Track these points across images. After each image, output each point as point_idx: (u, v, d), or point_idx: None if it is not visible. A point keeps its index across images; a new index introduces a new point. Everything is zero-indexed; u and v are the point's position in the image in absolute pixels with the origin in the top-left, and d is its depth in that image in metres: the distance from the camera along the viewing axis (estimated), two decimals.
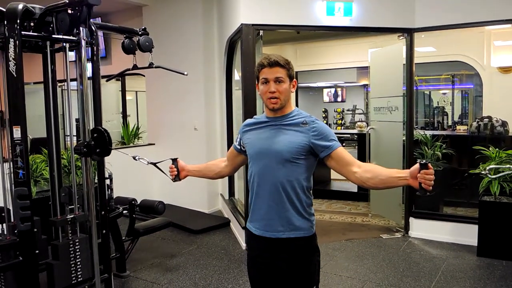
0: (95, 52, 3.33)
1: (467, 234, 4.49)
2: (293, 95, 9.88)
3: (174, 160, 2.32)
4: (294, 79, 1.96)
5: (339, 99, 14.13)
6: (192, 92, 6.13)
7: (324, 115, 16.31)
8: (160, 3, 6.32)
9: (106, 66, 7.31)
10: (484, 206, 4.24)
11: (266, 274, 1.98)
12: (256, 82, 1.99)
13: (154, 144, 6.51)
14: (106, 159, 5.14)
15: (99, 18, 7.07)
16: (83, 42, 2.93)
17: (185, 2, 6.10)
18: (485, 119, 5.71)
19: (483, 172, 1.91)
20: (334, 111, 16.01)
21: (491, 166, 1.93)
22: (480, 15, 4.50)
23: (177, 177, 2.32)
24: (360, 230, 5.24)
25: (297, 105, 9.99)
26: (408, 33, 4.82)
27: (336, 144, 1.88)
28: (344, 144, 13.92)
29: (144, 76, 6.77)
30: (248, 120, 2.10)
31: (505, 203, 4.15)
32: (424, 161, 1.62)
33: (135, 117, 8.71)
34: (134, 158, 2.62)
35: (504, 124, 5.59)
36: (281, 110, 1.94)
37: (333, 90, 14.50)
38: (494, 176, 2.49)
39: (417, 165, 1.63)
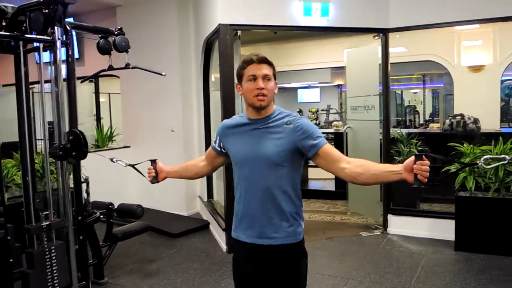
0: (70, 53, 3.21)
1: (444, 229, 4.58)
2: None
3: (153, 162, 2.27)
4: (276, 80, 1.92)
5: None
6: (168, 93, 6.04)
7: (305, 118, 16.38)
8: (134, 4, 6.20)
9: (79, 68, 7.05)
10: (460, 201, 4.33)
11: (252, 279, 1.93)
12: (237, 82, 1.91)
13: (129, 146, 6.39)
14: (81, 162, 5.04)
15: (72, 18, 6.89)
16: (58, 42, 2.85)
17: (160, 2, 6.01)
18: (457, 117, 5.85)
19: (479, 163, 1.92)
20: (309, 111, 16.16)
21: (486, 157, 1.94)
22: (452, 15, 4.60)
23: (155, 179, 2.26)
24: (340, 229, 5.27)
25: None
26: (384, 33, 4.89)
27: (322, 141, 1.83)
28: None
29: (118, 77, 6.64)
30: (227, 122, 2.02)
31: (481, 197, 4.26)
32: (418, 152, 1.61)
33: (108, 119, 8.52)
34: (111, 160, 2.55)
35: (476, 121, 5.74)
36: (265, 111, 1.88)
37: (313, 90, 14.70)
38: (489, 167, 2.52)
39: (412, 158, 1.61)
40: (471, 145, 4.44)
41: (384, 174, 1.72)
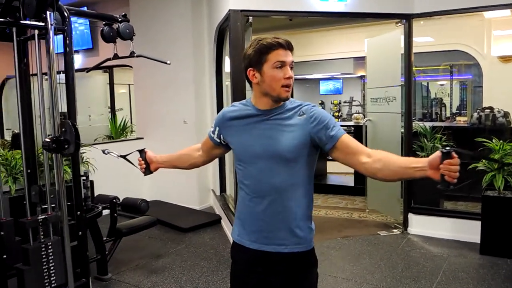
0: (67, 41, 3.04)
1: (469, 231, 4.27)
2: None
3: (142, 152, 2.09)
4: None
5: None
6: (181, 84, 5.87)
7: (321, 107, 16.12)
8: None
9: (93, 58, 7.05)
10: (488, 201, 4.01)
11: None
12: (251, 67, 1.62)
13: (142, 138, 6.26)
14: (91, 155, 4.94)
15: (85, 7, 6.79)
16: (51, 28, 2.69)
17: None
18: (486, 110, 5.48)
19: None
20: (331, 103, 15.84)
21: None
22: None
23: (147, 170, 2.09)
24: (357, 227, 5.01)
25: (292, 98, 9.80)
26: (407, 19, 4.56)
27: (339, 131, 1.58)
28: None
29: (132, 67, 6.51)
30: (228, 111, 1.75)
31: (510, 198, 3.92)
32: (447, 148, 1.33)
33: (128, 111, 8.44)
34: (103, 152, 2.40)
35: (506, 114, 5.36)
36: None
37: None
38: None
39: (438, 153, 1.35)
40: (501, 141, 4.10)
41: (407, 170, 1.46)
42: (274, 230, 1.65)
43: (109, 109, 7.64)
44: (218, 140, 1.82)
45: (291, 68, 1.62)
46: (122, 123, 6.91)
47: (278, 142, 1.61)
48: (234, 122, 1.72)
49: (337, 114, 15.85)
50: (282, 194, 1.62)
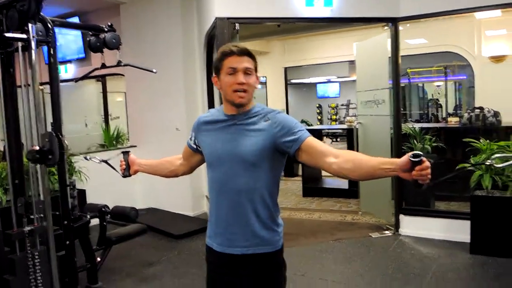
0: (52, 52, 3.06)
1: (460, 231, 4.26)
2: (282, 93, 9.66)
3: (125, 153, 2.16)
4: (257, 74, 1.74)
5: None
6: (173, 91, 5.91)
7: (318, 111, 16.17)
8: (138, 0, 6.08)
9: (85, 67, 7.08)
10: (476, 201, 4.02)
11: None
12: (214, 74, 1.72)
13: (136, 146, 6.28)
14: (84, 164, 4.96)
15: (77, 17, 6.84)
16: (33, 40, 2.71)
17: None
18: (476, 110, 5.52)
19: (487, 162, 1.72)
20: (328, 107, 15.87)
21: (497, 155, 1.75)
22: (467, 1, 4.27)
23: (126, 171, 2.15)
24: (349, 230, 5.02)
25: (287, 103, 9.80)
26: (393, 22, 4.59)
27: (304, 134, 1.63)
28: (338, 140, 13.78)
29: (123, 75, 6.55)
30: (203, 117, 1.84)
31: (498, 197, 3.93)
32: (416, 154, 1.37)
33: (125, 119, 8.46)
34: (85, 158, 2.45)
35: (496, 114, 5.39)
36: (243, 107, 1.70)
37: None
38: (501, 165, 2.30)
39: (407, 160, 1.38)
40: (487, 141, 4.12)
41: (377, 171, 1.50)
42: (237, 232, 1.69)
43: (103, 118, 7.66)
44: (195, 146, 1.88)
45: (248, 74, 1.66)
46: (116, 132, 6.92)
47: (242, 146, 1.66)
48: (206, 127, 1.79)
49: (334, 117, 15.87)
50: (244, 197, 1.67)
